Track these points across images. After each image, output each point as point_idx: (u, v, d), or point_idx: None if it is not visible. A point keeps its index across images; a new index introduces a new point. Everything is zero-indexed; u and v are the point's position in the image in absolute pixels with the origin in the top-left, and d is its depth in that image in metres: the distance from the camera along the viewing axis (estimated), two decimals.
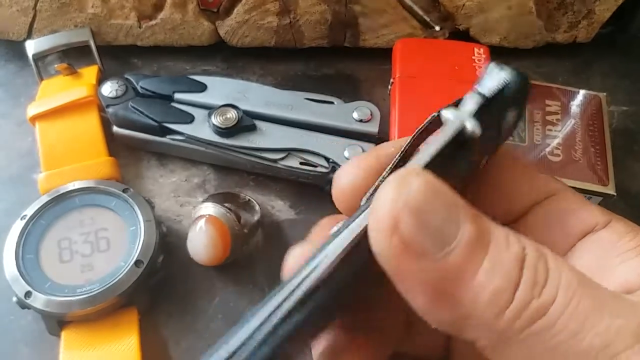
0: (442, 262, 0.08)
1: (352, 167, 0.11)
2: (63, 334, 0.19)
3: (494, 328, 0.08)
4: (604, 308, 0.08)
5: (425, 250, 0.08)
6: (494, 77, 0.10)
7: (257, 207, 0.21)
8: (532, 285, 0.08)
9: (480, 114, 0.10)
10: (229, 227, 0.19)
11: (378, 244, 0.08)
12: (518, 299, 0.08)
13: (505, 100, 0.10)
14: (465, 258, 0.08)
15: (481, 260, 0.08)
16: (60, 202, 0.21)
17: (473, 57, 0.23)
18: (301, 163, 0.22)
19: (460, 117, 0.10)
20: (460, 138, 0.10)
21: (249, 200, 0.22)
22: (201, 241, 0.19)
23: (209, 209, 0.19)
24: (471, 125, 0.10)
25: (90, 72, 0.25)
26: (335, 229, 0.10)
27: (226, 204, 0.20)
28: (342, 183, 0.11)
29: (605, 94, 0.26)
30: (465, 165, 0.10)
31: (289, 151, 0.22)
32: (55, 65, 0.25)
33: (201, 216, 0.19)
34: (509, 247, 0.08)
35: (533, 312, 0.08)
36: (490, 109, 0.10)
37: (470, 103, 0.10)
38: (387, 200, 0.08)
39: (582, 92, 0.26)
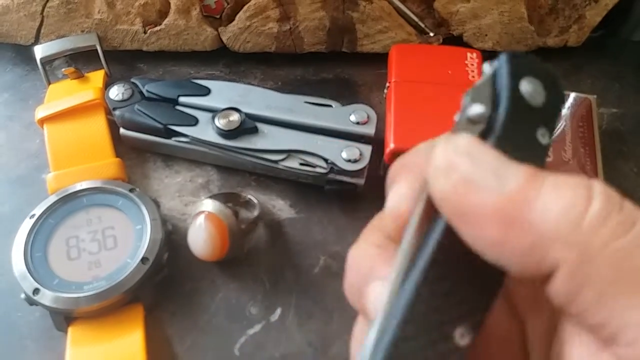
0: (504, 191, 0.08)
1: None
2: (70, 330, 0.19)
3: (575, 242, 0.07)
4: None
5: (484, 183, 0.08)
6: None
7: (257, 206, 0.22)
8: (607, 201, 0.07)
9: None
10: (226, 223, 0.20)
11: (438, 187, 0.08)
12: (594, 210, 0.07)
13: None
14: (525, 185, 0.08)
15: (543, 183, 0.08)
16: (68, 202, 0.21)
17: (466, 62, 0.24)
18: (301, 164, 0.22)
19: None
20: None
21: (250, 199, 0.22)
22: (200, 237, 0.19)
23: (208, 205, 0.20)
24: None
25: (97, 76, 0.26)
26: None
27: (227, 203, 0.21)
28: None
29: (595, 96, 0.26)
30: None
31: (289, 152, 0.22)
32: (63, 69, 0.25)
33: (200, 212, 0.20)
34: (571, 176, 0.08)
35: (615, 225, 0.07)
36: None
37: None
38: (440, 151, 0.08)
39: (572, 94, 0.26)
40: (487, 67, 0.10)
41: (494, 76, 0.09)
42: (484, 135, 0.09)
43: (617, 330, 0.07)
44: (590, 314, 0.08)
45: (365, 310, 0.10)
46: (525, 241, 0.08)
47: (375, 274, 0.10)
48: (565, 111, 0.26)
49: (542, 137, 0.09)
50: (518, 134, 0.09)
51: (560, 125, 0.26)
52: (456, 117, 0.10)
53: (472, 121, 0.09)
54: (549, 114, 0.09)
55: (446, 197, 0.08)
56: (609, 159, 0.25)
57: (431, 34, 0.28)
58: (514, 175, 0.08)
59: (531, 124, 0.09)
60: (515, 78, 0.09)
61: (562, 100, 0.10)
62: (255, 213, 0.22)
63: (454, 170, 0.08)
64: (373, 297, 0.10)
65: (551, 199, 0.08)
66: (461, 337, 0.08)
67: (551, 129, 0.09)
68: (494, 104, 0.09)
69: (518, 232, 0.08)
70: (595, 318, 0.08)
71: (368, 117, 0.23)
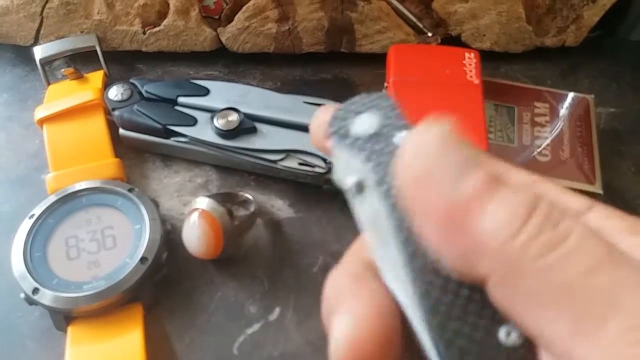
0: (455, 191, 0.08)
1: None
2: (69, 329, 0.19)
3: (504, 256, 0.08)
4: (620, 257, 0.07)
5: (440, 179, 0.08)
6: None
7: (253, 204, 0.22)
8: (545, 219, 0.08)
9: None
10: (220, 220, 0.20)
11: (398, 174, 0.09)
12: (530, 227, 0.08)
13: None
14: (477, 190, 0.08)
15: (493, 194, 0.08)
16: (68, 202, 0.21)
17: (463, 62, 0.24)
18: (300, 164, 0.22)
19: None
20: None
21: (246, 198, 0.22)
22: (194, 234, 0.20)
23: (202, 203, 0.20)
24: None
25: (96, 77, 0.26)
26: None
27: (223, 202, 0.21)
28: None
29: (593, 96, 0.26)
30: None
31: (288, 152, 0.22)
32: (62, 70, 0.25)
33: (194, 210, 0.20)
34: (524, 189, 0.08)
35: (546, 241, 0.07)
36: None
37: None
38: (416, 133, 0.09)
39: (570, 94, 0.27)
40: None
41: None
42: None
43: (547, 343, 0.07)
44: (524, 325, 0.08)
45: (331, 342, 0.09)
46: (460, 246, 0.08)
47: (340, 306, 0.09)
48: (563, 111, 0.26)
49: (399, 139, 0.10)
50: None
51: (558, 124, 0.26)
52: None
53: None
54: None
55: (404, 186, 0.09)
56: (606, 159, 0.25)
57: (429, 34, 0.28)
58: (473, 178, 0.08)
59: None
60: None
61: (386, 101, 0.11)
62: (250, 211, 0.22)
63: (420, 161, 0.08)
64: (331, 331, 0.09)
65: (495, 211, 0.08)
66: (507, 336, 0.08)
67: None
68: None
69: (456, 236, 0.08)
70: (530, 330, 0.08)
71: None
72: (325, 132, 0.11)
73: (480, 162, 0.08)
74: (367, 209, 0.10)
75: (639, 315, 0.07)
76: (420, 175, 0.08)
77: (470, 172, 0.08)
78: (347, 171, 0.10)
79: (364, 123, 0.10)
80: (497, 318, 0.08)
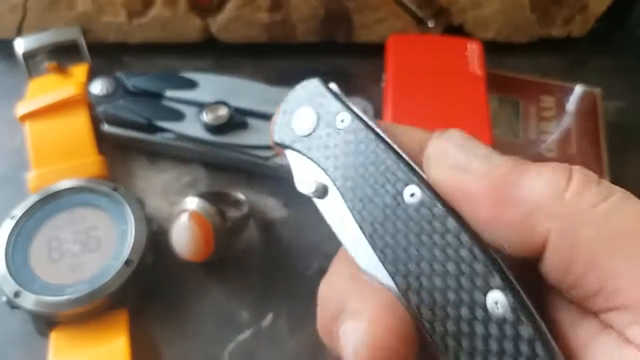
0: (493, 174, 0.09)
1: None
2: (52, 334, 0.18)
3: (558, 213, 0.08)
4: None
5: (475, 167, 0.09)
6: None
7: (245, 204, 0.21)
8: (586, 177, 0.08)
9: None
10: (211, 221, 0.19)
11: (433, 174, 0.09)
12: (575, 183, 0.08)
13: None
14: (512, 168, 0.09)
15: (529, 166, 0.09)
16: (50, 202, 0.20)
17: (466, 53, 0.23)
18: None
19: None
20: None
21: (238, 198, 0.22)
22: (183, 236, 0.19)
23: (191, 203, 0.19)
24: None
25: (80, 71, 0.25)
26: None
27: (214, 202, 0.20)
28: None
29: (600, 89, 0.25)
30: None
31: None
32: (45, 64, 0.24)
33: (183, 211, 0.19)
34: (551, 163, 0.09)
35: (595, 194, 0.08)
36: None
37: None
38: (433, 142, 0.10)
39: (576, 87, 0.26)
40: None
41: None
42: None
43: (611, 295, 0.08)
44: (585, 281, 0.08)
45: (341, 353, 0.09)
46: (515, 216, 0.09)
47: (348, 311, 0.09)
48: (569, 105, 0.25)
49: (341, 122, 0.10)
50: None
51: (565, 119, 0.25)
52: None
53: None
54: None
55: (442, 183, 0.09)
56: (614, 153, 0.24)
57: (430, 24, 0.27)
58: (501, 161, 0.09)
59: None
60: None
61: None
62: (242, 212, 0.21)
63: (448, 158, 0.09)
64: (342, 337, 0.09)
65: (535, 178, 0.09)
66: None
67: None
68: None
69: (508, 208, 0.09)
70: (589, 285, 0.08)
71: (364, 110, 0.22)
72: (273, 144, 0.11)
73: (498, 153, 0.09)
74: (335, 212, 0.10)
75: None
76: (453, 168, 0.09)
77: (497, 157, 0.09)
78: (307, 175, 0.10)
79: (303, 120, 0.10)
80: (481, 287, 0.08)
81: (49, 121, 0.23)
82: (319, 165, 0.10)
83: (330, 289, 0.10)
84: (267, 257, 0.21)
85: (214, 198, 0.21)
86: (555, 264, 0.08)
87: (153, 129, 0.22)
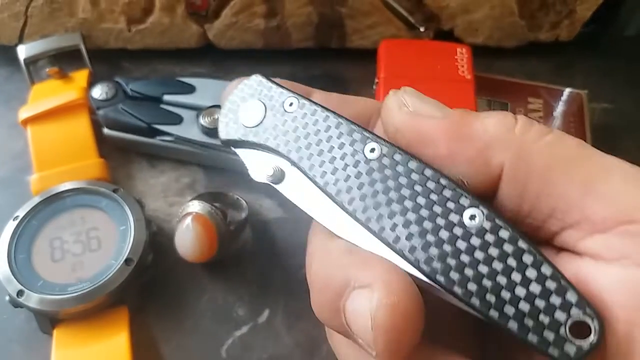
0: (448, 117, 0.10)
1: None
2: (55, 332, 0.19)
3: (510, 143, 0.09)
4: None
5: (431, 113, 0.10)
6: None
7: (245, 206, 0.22)
8: (528, 119, 0.10)
9: None
10: (215, 224, 0.19)
11: (393, 120, 0.10)
12: (521, 122, 0.09)
13: None
14: (464, 113, 0.10)
15: (477, 113, 0.10)
16: (52, 203, 0.21)
17: (455, 57, 0.24)
18: None
19: None
20: None
21: (238, 199, 0.22)
22: (188, 238, 0.19)
23: (196, 206, 0.20)
24: None
25: (81, 76, 0.26)
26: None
27: (215, 203, 0.20)
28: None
29: (586, 91, 0.26)
30: None
31: None
32: (47, 70, 0.25)
33: (188, 214, 0.20)
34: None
35: (539, 128, 0.09)
36: None
37: None
38: (391, 95, 0.11)
39: (564, 89, 0.26)
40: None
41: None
42: None
43: (561, 214, 0.09)
44: (538, 205, 0.09)
45: (348, 327, 0.09)
46: (472, 151, 0.10)
47: (355, 283, 0.09)
48: (557, 107, 0.26)
49: (289, 106, 0.11)
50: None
51: (552, 120, 0.25)
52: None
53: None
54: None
55: (402, 128, 0.10)
56: None
57: (421, 29, 0.27)
58: (452, 110, 0.10)
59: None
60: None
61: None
62: (244, 215, 0.21)
63: (407, 106, 0.10)
64: (352, 310, 0.09)
65: (487, 118, 0.10)
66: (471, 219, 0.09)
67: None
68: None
69: (465, 144, 0.10)
70: (543, 208, 0.09)
71: None
72: (221, 141, 0.11)
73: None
74: (297, 190, 0.10)
75: (631, 169, 0.08)
76: (412, 113, 0.10)
77: (447, 107, 0.10)
78: (260, 164, 0.11)
79: (250, 112, 0.11)
80: (456, 209, 0.09)
81: (51, 125, 0.23)
82: (272, 150, 0.10)
83: (328, 267, 0.10)
84: (262, 256, 0.22)
85: (213, 198, 0.21)
86: (510, 192, 0.09)
87: (152, 132, 0.23)
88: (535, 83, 0.27)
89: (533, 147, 0.09)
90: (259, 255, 0.22)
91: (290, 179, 0.10)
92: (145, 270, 0.20)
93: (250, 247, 0.22)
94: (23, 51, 0.25)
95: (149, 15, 0.27)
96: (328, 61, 0.28)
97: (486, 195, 0.10)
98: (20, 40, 0.27)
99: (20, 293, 0.19)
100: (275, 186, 0.10)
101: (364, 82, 0.27)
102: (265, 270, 0.21)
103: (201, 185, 0.24)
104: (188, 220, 0.19)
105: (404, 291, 0.09)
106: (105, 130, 0.24)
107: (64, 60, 0.27)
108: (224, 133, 0.11)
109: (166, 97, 0.24)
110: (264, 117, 0.11)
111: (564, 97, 0.26)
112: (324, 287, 0.10)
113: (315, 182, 0.10)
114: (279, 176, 0.10)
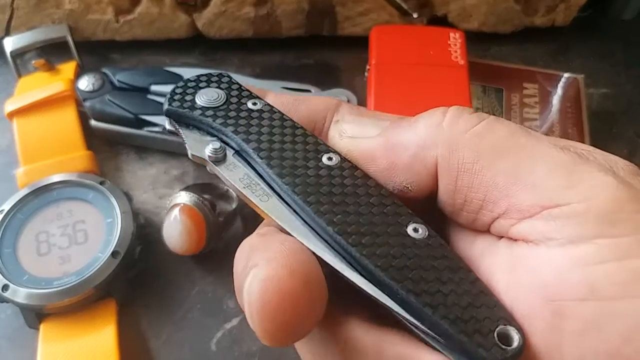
0: (382, 133, 0.10)
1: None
2: (42, 326, 0.19)
3: (439, 141, 0.09)
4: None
5: (367, 134, 0.11)
6: None
7: (235, 197, 0.21)
8: (458, 110, 0.10)
9: None
10: (203, 216, 0.19)
11: (337, 147, 0.11)
12: (449, 114, 0.10)
13: None
14: (394, 123, 0.10)
15: (408, 118, 0.10)
16: (38, 196, 0.21)
17: (448, 42, 0.23)
18: None
19: None
20: None
21: (227, 190, 0.22)
22: (176, 230, 0.19)
23: (183, 198, 0.19)
24: None
25: (68, 68, 0.25)
26: None
27: (204, 195, 0.20)
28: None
29: (583, 75, 0.26)
30: None
31: None
32: (33, 62, 0.25)
33: (175, 205, 0.19)
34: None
35: (468, 118, 0.10)
36: None
37: None
38: (330, 127, 0.11)
39: (560, 74, 0.26)
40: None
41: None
42: None
43: (491, 204, 0.09)
44: (470, 197, 0.09)
45: (244, 309, 0.09)
46: (407, 158, 0.10)
47: (252, 261, 0.09)
48: (553, 92, 0.25)
49: (253, 105, 0.11)
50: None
51: (548, 106, 0.25)
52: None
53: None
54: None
55: (347, 154, 0.11)
56: (598, 140, 0.24)
57: (414, 15, 0.27)
58: (387, 121, 0.11)
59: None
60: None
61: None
62: (234, 206, 0.21)
63: (346, 133, 0.11)
64: (250, 284, 0.08)
65: (415, 122, 0.10)
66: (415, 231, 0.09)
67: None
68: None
69: (399, 153, 0.10)
70: (475, 200, 0.09)
71: (348, 101, 0.23)
72: (166, 109, 0.11)
73: (381, 114, 0.11)
74: (237, 172, 0.10)
75: (558, 157, 0.09)
76: (351, 140, 0.11)
77: (381, 119, 0.11)
78: (202, 143, 0.11)
79: (209, 95, 0.11)
80: (403, 218, 0.09)
81: (37, 118, 0.23)
82: (219, 132, 0.11)
83: (241, 249, 0.10)
84: None
85: (202, 190, 0.21)
86: (445, 187, 0.09)
87: (140, 123, 0.23)
88: (531, 68, 0.26)
89: (460, 140, 0.09)
90: None
91: (233, 161, 0.11)
92: (133, 263, 0.20)
93: (240, 238, 0.21)
94: (9, 44, 0.25)
95: (137, 5, 0.26)
96: (319, 49, 0.28)
97: (434, 195, 0.10)
98: (7, 32, 0.27)
99: (5, 287, 0.18)
100: (215, 165, 0.11)
101: (356, 69, 0.26)
102: None
103: (191, 177, 0.23)
104: (175, 211, 0.19)
105: (286, 267, 0.08)
106: (93, 122, 0.23)
107: (51, 53, 0.26)
108: (173, 104, 0.11)
109: (154, 88, 0.23)
110: (224, 103, 0.11)
111: (561, 82, 0.26)
112: (235, 269, 0.10)
113: (267, 172, 0.10)
114: (221, 158, 0.11)
